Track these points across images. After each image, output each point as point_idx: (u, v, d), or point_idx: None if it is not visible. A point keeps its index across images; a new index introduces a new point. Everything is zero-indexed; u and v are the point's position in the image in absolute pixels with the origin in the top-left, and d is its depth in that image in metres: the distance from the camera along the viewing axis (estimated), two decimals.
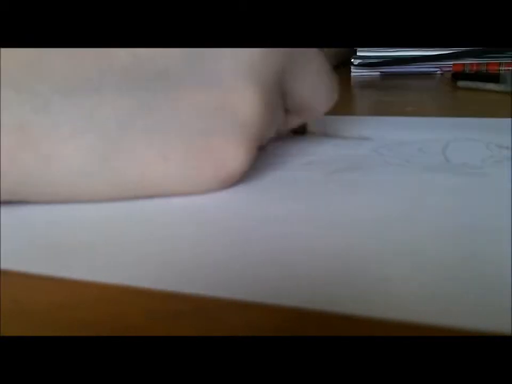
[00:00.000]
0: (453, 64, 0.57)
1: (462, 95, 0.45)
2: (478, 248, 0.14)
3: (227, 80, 0.18)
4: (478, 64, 0.56)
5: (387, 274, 0.13)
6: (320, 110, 0.23)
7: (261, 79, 0.19)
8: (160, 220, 0.17)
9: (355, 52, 0.63)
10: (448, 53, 0.54)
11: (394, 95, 0.48)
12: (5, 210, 0.18)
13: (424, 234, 0.15)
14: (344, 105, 0.43)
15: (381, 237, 0.15)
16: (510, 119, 0.30)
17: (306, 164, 0.23)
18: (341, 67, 0.72)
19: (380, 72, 0.63)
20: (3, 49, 0.16)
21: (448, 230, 0.15)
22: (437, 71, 0.61)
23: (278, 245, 0.15)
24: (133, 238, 0.15)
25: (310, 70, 0.22)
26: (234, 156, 0.18)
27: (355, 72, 0.64)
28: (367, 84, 0.58)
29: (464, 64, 0.56)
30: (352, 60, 0.64)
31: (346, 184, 0.20)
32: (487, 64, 0.56)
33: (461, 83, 0.48)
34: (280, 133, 0.24)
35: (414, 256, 0.14)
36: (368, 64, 0.62)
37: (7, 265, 0.14)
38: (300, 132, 0.28)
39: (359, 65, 0.63)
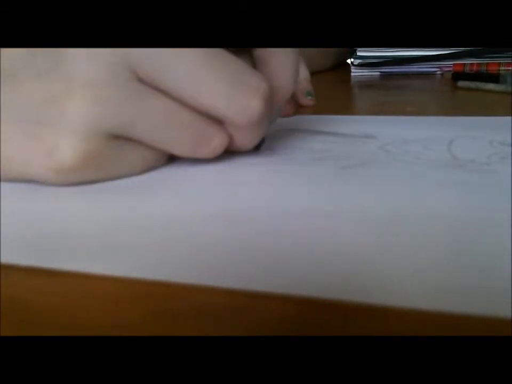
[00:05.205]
0: (453, 64, 0.57)
1: (462, 95, 0.45)
2: (491, 243, 0.14)
3: (61, 77, 0.18)
4: (478, 64, 0.56)
5: (399, 266, 0.13)
6: (239, 122, 0.20)
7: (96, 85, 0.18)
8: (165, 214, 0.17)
9: (355, 51, 0.63)
10: (448, 53, 0.54)
11: (394, 95, 0.48)
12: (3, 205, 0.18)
13: (437, 229, 0.15)
14: (344, 105, 0.43)
15: (396, 231, 0.15)
16: (509, 117, 0.30)
17: (316, 159, 0.23)
18: (341, 67, 0.72)
19: (380, 72, 0.63)
20: None
21: (461, 225, 0.15)
22: (437, 71, 0.61)
23: (293, 238, 0.15)
24: (132, 230, 0.15)
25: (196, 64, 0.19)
26: (64, 146, 0.18)
27: (355, 72, 0.64)
28: (367, 84, 0.58)
29: (464, 64, 0.56)
30: (352, 60, 0.64)
31: (359, 179, 0.20)
32: (487, 64, 0.55)
33: (461, 83, 0.48)
34: (237, 147, 0.22)
35: (426, 251, 0.14)
36: (368, 64, 0.62)
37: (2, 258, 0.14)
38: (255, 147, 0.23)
39: (359, 65, 0.63)
